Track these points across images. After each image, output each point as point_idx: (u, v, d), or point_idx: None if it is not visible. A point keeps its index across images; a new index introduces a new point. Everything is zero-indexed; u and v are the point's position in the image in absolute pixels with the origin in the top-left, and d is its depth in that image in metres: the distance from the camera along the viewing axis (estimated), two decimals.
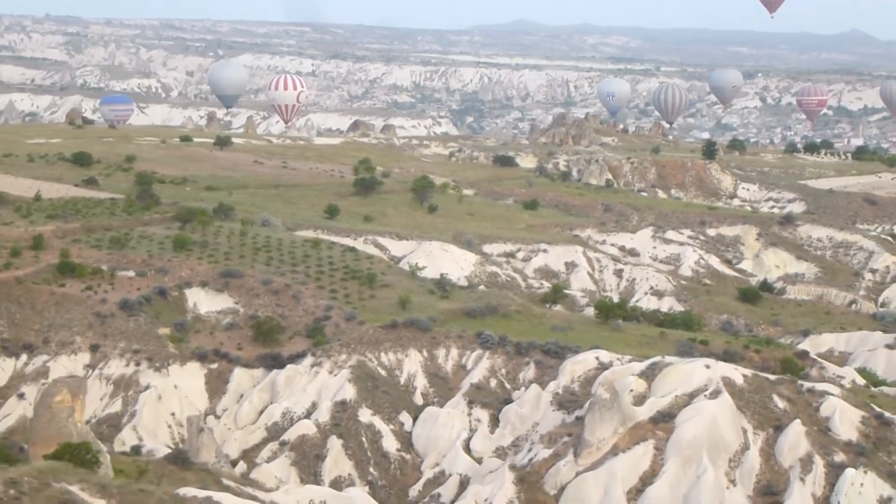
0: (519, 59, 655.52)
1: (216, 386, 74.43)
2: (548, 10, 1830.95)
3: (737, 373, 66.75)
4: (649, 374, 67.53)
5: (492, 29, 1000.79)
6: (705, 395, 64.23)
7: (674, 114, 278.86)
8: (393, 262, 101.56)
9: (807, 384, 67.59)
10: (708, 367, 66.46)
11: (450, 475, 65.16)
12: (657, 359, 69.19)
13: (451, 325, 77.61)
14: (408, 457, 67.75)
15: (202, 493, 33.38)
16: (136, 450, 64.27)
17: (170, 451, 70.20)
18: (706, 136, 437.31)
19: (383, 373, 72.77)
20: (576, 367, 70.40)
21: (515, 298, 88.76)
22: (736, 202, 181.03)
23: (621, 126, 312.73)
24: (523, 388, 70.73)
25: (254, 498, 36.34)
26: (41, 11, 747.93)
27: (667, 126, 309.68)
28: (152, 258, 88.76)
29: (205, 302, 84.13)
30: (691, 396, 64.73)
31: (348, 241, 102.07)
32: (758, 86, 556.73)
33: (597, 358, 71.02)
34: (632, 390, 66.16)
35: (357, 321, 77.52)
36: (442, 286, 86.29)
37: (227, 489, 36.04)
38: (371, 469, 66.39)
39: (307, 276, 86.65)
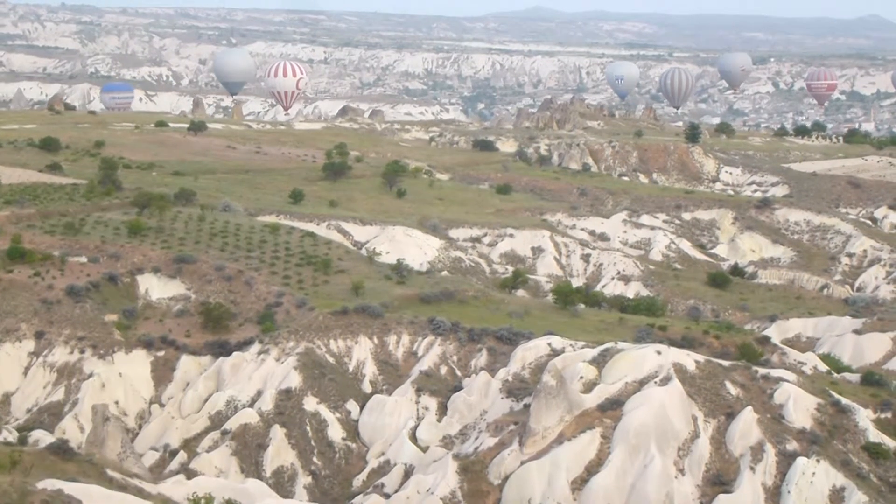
0: (532, 46, 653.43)
1: (162, 374, 72.87)
2: None
3: (689, 359, 65.17)
4: (600, 361, 65.99)
5: (507, 16, 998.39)
6: (655, 382, 62.69)
7: (681, 98, 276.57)
8: (356, 248, 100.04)
9: (762, 370, 66.03)
10: (659, 353, 64.89)
11: (394, 465, 63.75)
12: (609, 345, 67.63)
13: (404, 311, 76.00)
14: (353, 446, 66.23)
15: (68, 486, 31.86)
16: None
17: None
18: (717, 121, 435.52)
19: (332, 360, 71.16)
20: (527, 353, 68.84)
21: (474, 284, 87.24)
22: (718, 186, 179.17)
23: (606, 111, 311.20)
24: (474, 376, 69.20)
25: (139, 491, 34.76)
26: (57, 0, 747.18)
27: (674, 111, 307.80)
28: (105, 244, 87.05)
29: (157, 288, 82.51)
30: (641, 383, 63.19)
31: (311, 227, 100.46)
32: (770, 71, 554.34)
33: (549, 344, 69.43)
34: (582, 377, 64.61)
35: (307, 307, 75.83)
36: (399, 272, 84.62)
37: (108, 481, 34.46)
38: (314, 459, 64.87)
39: (261, 262, 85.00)
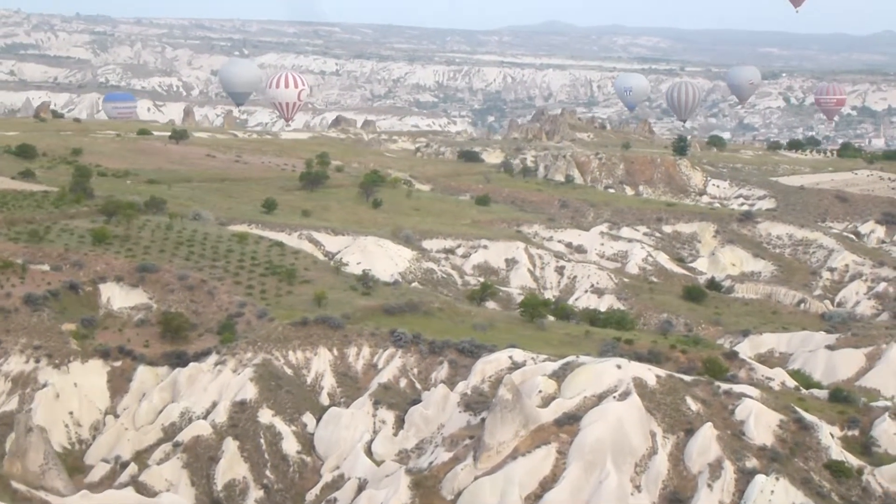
0: (545, 60, 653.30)
1: (119, 384, 71.55)
2: (580, 11, 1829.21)
3: (650, 373, 64.06)
4: (561, 375, 64.90)
5: (522, 29, 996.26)
6: (614, 397, 61.57)
7: (687, 112, 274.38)
8: (327, 258, 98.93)
9: (724, 386, 64.96)
10: (619, 367, 63.80)
11: (348, 479, 62.53)
12: (570, 359, 66.54)
13: (366, 322, 74.84)
14: (308, 459, 65.01)
15: None
16: None
17: (63, 450, 68.12)
18: (727, 135, 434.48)
19: (289, 372, 69.98)
20: (487, 366, 67.72)
21: (440, 296, 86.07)
22: (705, 199, 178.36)
23: (597, 123, 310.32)
24: (433, 389, 68.00)
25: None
26: (72, 11, 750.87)
27: (681, 124, 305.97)
28: (69, 252, 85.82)
29: (118, 297, 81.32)
30: (600, 398, 62.09)
31: (281, 236, 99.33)
32: (781, 86, 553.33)
33: (510, 357, 68.35)
34: (540, 391, 63.56)
35: (268, 318, 74.67)
36: (364, 283, 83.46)
37: (12, 493, 33.25)
38: (267, 472, 63.62)
39: (226, 272, 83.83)
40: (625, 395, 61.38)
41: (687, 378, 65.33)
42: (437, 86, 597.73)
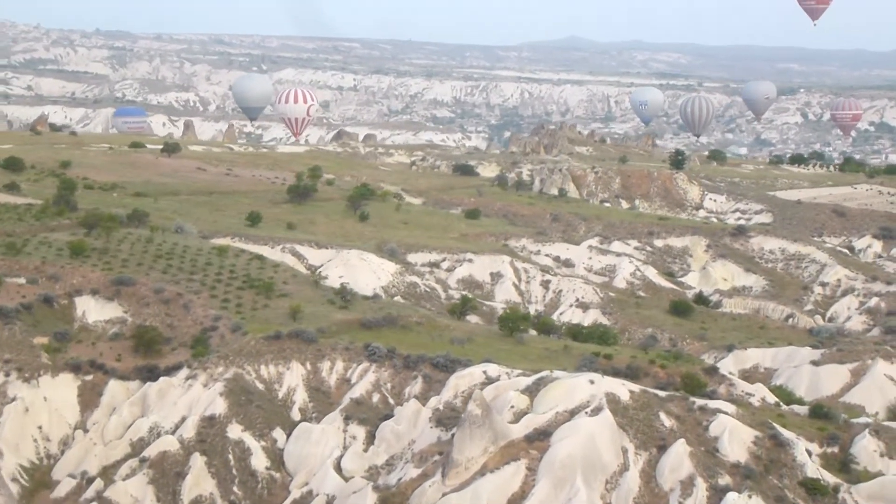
0: (563, 75, 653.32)
1: (89, 398, 70.61)
2: (600, 27, 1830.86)
3: (623, 389, 63.10)
4: (534, 390, 63.91)
5: (542, 45, 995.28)
6: (586, 412, 60.58)
7: (701, 126, 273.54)
8: (311, 271, 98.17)
9: (699, 401, 63.90)
10: (592, 382, 62.81)
11: (317, 495, 61.60)
12: (545, 373, 65.54)
13: (341, 336, 73.95)
14: (277, 475, 64.07)
15: None
16: None
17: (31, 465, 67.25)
18: (744, 151, 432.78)
19: (261, 386, 69.05)
20: (461, 381, 66.68)
21: (419, 310, 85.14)
22: (702, 213, 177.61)
23: (598, 137, 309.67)
24: (406, 404, 67.05)
25: None
26: (92, 26, 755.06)
27: (694, 139, 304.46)
28: (46, 265, 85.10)
29: (94, 310, 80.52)
30: (573, 413, 61.10)
31: (264, 250, 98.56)
32: (799, 101, 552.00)
33: (484, 372, 67.27)
34: (513, 406, 62.56)
35: (241, 332, 73.81)
36: (343, 296, 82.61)
37: None
38: (235, 488, 62.69)
39: (202, 285, 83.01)
40: (597, 411, 60.40)
41: (661, 394, 64.31)
42: (455, 101, 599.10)
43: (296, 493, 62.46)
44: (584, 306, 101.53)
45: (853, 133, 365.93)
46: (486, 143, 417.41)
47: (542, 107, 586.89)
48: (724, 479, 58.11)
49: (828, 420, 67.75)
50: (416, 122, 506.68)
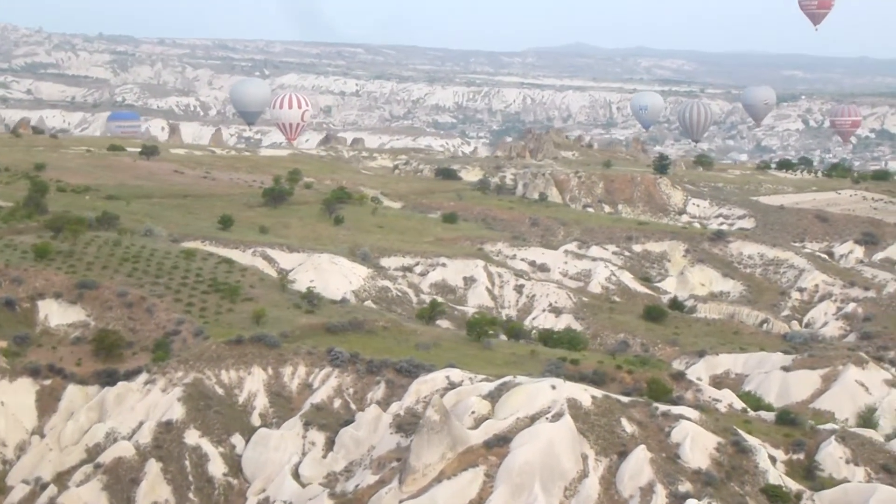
0: (566, 81, 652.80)
1: (48, 403, 69.75)
2: (606, 34, 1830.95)
3: (585, 394, 62.29)
4: (496, 395, 63.10)
5: (547, 51, 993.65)
6: (546, 418, 59.79)
7: (699, 132, 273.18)
8: (282, 275, 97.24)
9: (662, 407, 63.16)
10: (553, 387, 62.02)
11: (273, 502, 60.73)
12: (507, 379, 64.74)
13: (304, 341, 73.08)
14: (234, 482, 63.16)
15: None
16: None
17: None
18: (744, 157, 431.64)
19: (221, 391, 68.12)
20: (423, 386, 65.83)
21: (386, 314, 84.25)
22: (685, 218, 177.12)
23: (586, 140, 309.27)
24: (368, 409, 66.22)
25: None
26: (95, 31, 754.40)
27: (692, 144, 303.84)
28: (9, 268, 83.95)
29: (56, 314, 79.52)
30: (533, 419, 60.30)
31: (234, 253, 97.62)
32: (801, 108, 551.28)
33: (447, 377, 66.46)
34: (473, 412, 61.73)
35: (203, 336, 72.91)
36: (309, 300, 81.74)
37: None
38: (191, 495, 61.80)
39: (167, 289, 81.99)
40: (557, 417, 59.63)
41: (624, 399, 63.58)
42: (457, 107, 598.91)
43: (252, 500, 61.58)
44: (556, 311, 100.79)
45: (853, 140, 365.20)
46: (490, 148, 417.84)
47: (544, 112, 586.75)
48: (685, 486, 57.35)
49: (794, 426, 67.14)
50: (417, 127, 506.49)
